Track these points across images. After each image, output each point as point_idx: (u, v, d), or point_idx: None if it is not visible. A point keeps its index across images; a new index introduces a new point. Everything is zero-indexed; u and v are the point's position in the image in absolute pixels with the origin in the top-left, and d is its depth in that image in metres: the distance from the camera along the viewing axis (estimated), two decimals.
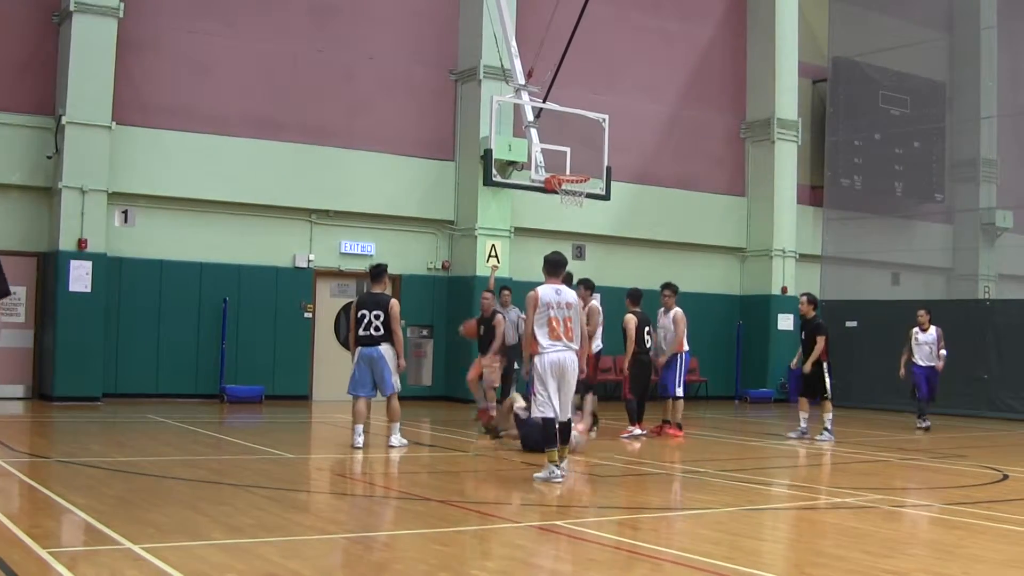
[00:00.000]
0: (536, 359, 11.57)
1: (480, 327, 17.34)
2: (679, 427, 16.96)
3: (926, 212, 31.02)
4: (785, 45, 27.76)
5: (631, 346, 16.44)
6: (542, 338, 11.54)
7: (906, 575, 7.52)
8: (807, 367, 17.19)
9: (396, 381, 14.16)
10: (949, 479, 13.24)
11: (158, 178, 20.80)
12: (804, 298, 17.80)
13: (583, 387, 15.51)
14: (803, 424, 17.39)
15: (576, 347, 11.68)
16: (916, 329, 19.86)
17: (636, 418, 16.60)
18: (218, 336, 21.24)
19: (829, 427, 17.25)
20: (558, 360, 11.53)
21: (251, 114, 21.78)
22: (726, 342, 27.39)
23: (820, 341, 17.18)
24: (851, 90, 28.99)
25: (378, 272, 14.37)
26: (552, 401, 11.46)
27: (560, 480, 11.39)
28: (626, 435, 16.42)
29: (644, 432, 16.56)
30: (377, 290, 14.24)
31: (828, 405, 17.42)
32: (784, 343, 27.34)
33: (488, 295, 17.40)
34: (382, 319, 13.88)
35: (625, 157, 24.21)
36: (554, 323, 11.55)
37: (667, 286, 17.42)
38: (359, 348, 14.09)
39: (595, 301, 16.68)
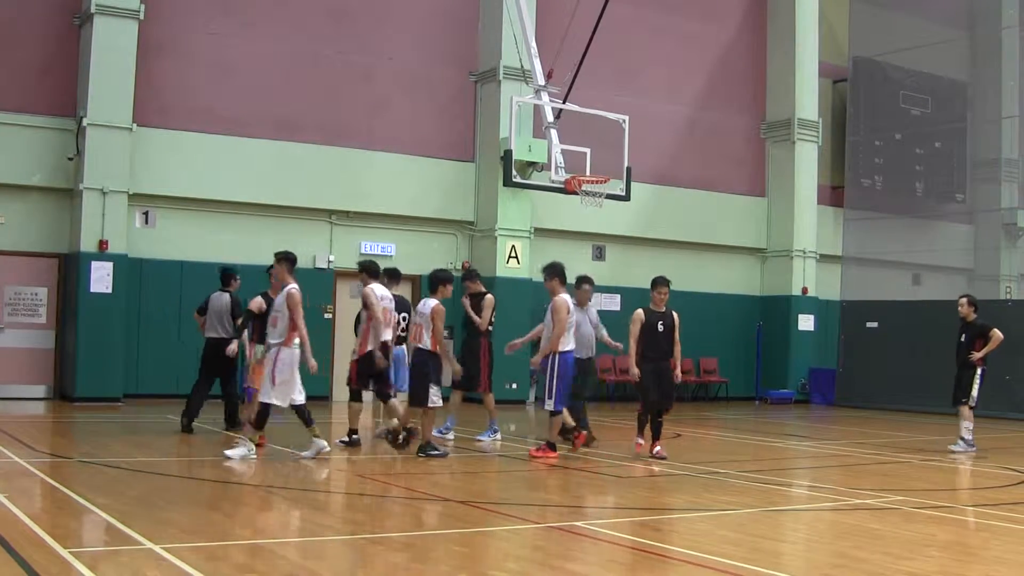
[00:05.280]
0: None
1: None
2: (552, 447, 13.63)
3: (947, 212, 30.89)
4: (805, 45, 27.69)
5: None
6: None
7: None
8: (977, 359, 15.83)
9: None
10: (971, 481, 13.18)
11: (178, 179, 20.89)
12: (964, 300, 16.35)
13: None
14: (966, 434, 15.90)
15: None
16: None
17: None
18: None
19: (968, 437, 15.86)
20: None
21: (271, 115, 21.83)
22: (746, 343, 27.28)
23: (994, 335, 15.82)
24: (872, 90, 28.88)
25: (394, 274, 14.71)
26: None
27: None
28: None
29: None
30: (396, 293, 14.34)
31: (968, 412, 15.88)
32: (805, 344, 27.29)
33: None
34: (407, 320, 14.05)
35: (645, 158, 24.17)
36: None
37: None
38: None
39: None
